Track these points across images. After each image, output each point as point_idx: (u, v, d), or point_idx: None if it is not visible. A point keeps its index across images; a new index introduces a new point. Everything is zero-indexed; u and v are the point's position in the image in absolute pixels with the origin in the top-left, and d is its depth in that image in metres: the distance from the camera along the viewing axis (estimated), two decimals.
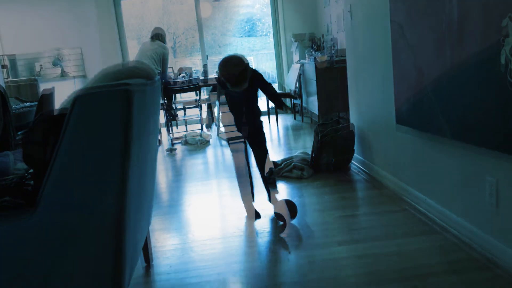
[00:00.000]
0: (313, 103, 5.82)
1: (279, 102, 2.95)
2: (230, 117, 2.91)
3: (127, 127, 1.32)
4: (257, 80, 2.75)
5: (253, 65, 10.59)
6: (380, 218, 2.54)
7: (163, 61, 5.76)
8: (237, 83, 2.61)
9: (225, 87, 2.71)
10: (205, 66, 6.46)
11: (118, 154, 1.31)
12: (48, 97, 3.62)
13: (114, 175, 1.32)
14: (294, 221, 2.61)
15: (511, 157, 1.74)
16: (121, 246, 1.36)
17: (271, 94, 2.89)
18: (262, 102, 7.30)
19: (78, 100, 1.25)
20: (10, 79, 6.14)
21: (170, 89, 5.62)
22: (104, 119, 1.29)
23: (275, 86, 8.44)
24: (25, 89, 5.72)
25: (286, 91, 7.11)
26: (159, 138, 5.61)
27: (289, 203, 2.65)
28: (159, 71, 5.71)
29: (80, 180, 1.30)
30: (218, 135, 5.87)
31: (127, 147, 1.33)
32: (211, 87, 3.33)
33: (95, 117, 1.28)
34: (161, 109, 5.65)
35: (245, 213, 2.81)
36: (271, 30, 7.76)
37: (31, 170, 1.44)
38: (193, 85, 5.75)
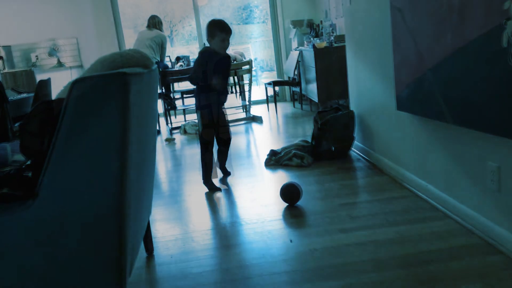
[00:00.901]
0: (312, 91, 5.79)
1: (224, 87, 3.26)
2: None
3: (125, 114, 1.30)
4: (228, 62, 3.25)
5: (251, 53, 10.54)
6: (381, 205, 2.53)
7: (161, 49, 5.72)
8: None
9: (210, 56, 3.08)
10: None
11: (117, 141, 1.30)
12: (45, 84, 3.59)
13: (113, 163, 1.30)
14: (294, 209, 2.61)
15: None
16: (122, 235, 1.35)
17: (226, 76, 3.28)
18: (261, 90, 7.26)
19: (75, 87, 1.22)
20: (6, 70, 6.10)
21: (168, 78, 5.59)
22: (102, 106, 1.27)
23: (273, 74, 8.40)
24: (21, 80, 5.67)
25: (285, 79, 7.07)
26: (157, 128, 5.59)
27: (289, 189, 2.68)
28: (157, 60, 5.66)
29: (79, 169, 1.28)
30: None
31: (125, 134, 1.31)
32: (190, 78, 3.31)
33: (92, 104, 1.26)
34: (159, 98, 5.63)
35: (244, 202, 2.82)
36: (268, 17, 7.69)
37: (29, 161, 1.43)
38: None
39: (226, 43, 3.07)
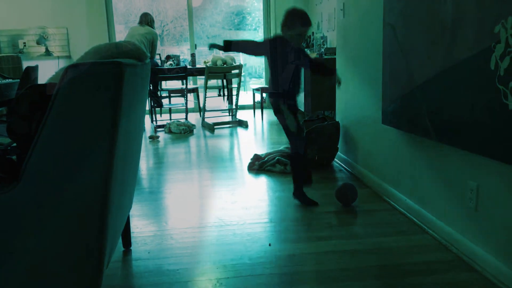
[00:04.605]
0: (299, 100, 5.82)
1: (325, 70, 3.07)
2: None
3: (117, 103, 1.29)
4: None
5: (241, 59, 10.56)
6: (360, 216, 2.56)
7: (152, 47, 5.70)
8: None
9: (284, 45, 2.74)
10: (193, 55, 6.41)
11: (106, 131, 1.29)
12: (32, 71, 3.54)
13: (101, 152, 1.29)
14: (275, 213, 2.62)
15: (493, 162, 1.77)
16: (104, 225, 1.33)
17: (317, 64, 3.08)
18: (248, 96, 7.26)
19: (69, 72, 1.21)
20: None
21: (157, 75, 5.56)
22: (94, 93, 1.26)
23: (262, 81, 8.42)
24: (7, 65, 5.57)
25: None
26: None
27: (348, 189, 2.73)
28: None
29: (66, 154, 1.27)
30: (202, 125, 5.83)
31: (115, 124, 1.30)
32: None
33: (85, 91, 1.25)
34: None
35: (225, 204, 2.82)
36: (260, 24, 7.73)
37: (14, 144, 1.41)
38: (181, 73, 5.68)
39: (302, 38, 2.79)
